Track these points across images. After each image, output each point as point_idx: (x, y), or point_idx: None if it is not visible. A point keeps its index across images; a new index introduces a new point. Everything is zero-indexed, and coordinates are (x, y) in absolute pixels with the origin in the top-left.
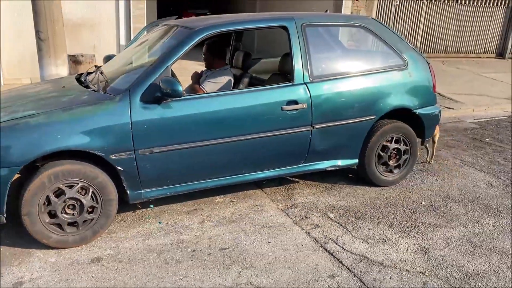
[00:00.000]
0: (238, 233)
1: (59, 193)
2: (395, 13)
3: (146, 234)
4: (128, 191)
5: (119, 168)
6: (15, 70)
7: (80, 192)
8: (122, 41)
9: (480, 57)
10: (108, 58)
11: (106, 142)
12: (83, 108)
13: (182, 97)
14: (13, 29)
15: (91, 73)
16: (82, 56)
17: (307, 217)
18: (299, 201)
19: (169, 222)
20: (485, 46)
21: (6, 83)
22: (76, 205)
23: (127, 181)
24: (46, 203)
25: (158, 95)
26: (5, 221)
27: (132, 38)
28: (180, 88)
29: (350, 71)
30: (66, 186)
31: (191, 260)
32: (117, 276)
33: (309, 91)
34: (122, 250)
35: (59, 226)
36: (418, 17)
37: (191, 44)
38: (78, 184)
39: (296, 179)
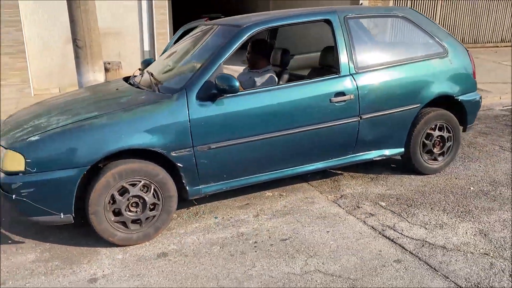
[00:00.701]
0: (295, 224)
1: (123, 191)
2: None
3: (205, 229)
4: (187, 187)
5: (179, 165)
6: (44, 81)
7: (143, 190)
8: (146, 47)
9: (498, 46)
10: (146, 62)
11: (167, 140)
12: (143, 108)
13: (237, 93)
14: (39, 41)
15: (136, 76)
16: (109, 63)
17: (359, 207)
18: (347, 192)
19: (224, 217)
20: (501, 35)
21: (36, 93)
22: (139, 202)
23: (186, 177)
24: (111, 202)
25: (214, 92)
26: (73, 220)
27: (155, 43)
28: (237, 84)
29: (393, 60)
30: (129, 184)
31: (255, 251)
32: (186, 270)
33: (355, 82)
34: (185, 245)
35: (124, 224)
36: (434, 11)
37: (240, 42)
38: (140, 182)
39: (340, 171)
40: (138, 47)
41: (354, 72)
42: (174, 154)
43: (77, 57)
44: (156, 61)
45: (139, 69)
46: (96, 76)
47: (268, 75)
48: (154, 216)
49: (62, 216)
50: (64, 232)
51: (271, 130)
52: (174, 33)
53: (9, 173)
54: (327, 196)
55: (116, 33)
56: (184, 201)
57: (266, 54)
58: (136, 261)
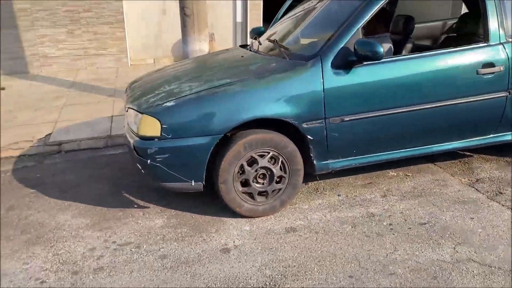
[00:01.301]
0: (431, 208)
1: (251, 162)
2: None
3: (330, 206)
4: (314, 162)
5: (309, 137)
6: (139, 52)
7: (270, 162)
8: (239, 19)
9: None
10: (256, 31)
11: (299, 110)
12: (276, 76)
13: (378, 61)
14: (137, 12)
15: (253, 43)
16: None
17: (501, 193)
18: (483, 175)
19: (348, 195)
20: None
21: (132, 63)
22: (266, 174)
23: (315, 151)
24: (240, 172)
25: (352, 59)
26: (203, 188)
27: (248, 15)
28: (382, 50)
29: None
30: (258, 155)
31: (393, 234)
32: (321, 247)
33: (506, 52)
34: (312, 221)
35: (250, 195)
36: None
37: (378, 6)
38: (269, 153)
39: (469, 153)
40: (230, 19)
41: (505, 40)
42: (305, 126)
43: (184, 25)
44: (270, 29)
45: (254, 38)
46: (202, 45)
47: (383, 43)
48: (280, 189)
49: (193, 184)
50: (186, 200)
51: (410, 103)
52: (264, 6)
53: (144, 138)
54: (460, 179)
55: (209, 4)
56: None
57: (385, 21)
58: (265, 234)
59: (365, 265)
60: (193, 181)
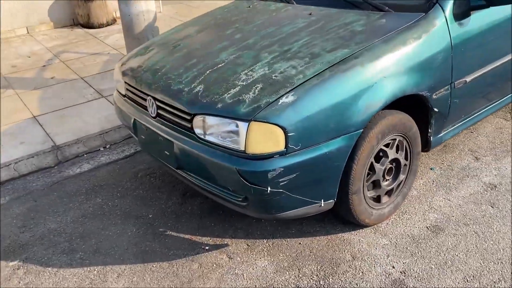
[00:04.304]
0: None
1: (378, 156)
2: None
3: (439, 186)
4: (431, 138)
5: (435, 109)
6: (5, 21)
7: (396, 150)
8: None
9: None
10: None
11: (432, 78)
12: (403, 37)
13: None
14: None
15: None
16: None
17: None
18: None
19: (441, 167)
20: None
21: None
22: (392, 167)
23: (436, 125)
24: (369, 173)
25: (478, 3)
26: (333, 206)
27: None
28: None
29: None
30: (385, 146)
31: None
32: (496, 246)
33: None
34: (444, 210)
35: (376, 198)
36: None
37: None
38: (395, 140)
39: None
40: None
41: None
42: (434, 97)
43: None
44: None
45: None
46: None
47: None
48: (401, 181)
49: (322, 204)
50: (262, 221)
51: None
52: None
53: (258, 157)
54: None
55: None
56: None
57: None
58: (413, 243)
59: None
60: (322, 201)
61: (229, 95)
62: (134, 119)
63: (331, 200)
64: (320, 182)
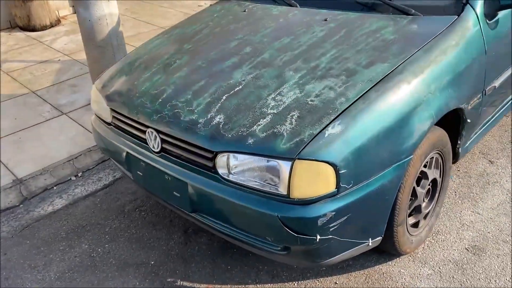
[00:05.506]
0: None
1: (418, 179)
2: None
3: (464, 197)
4: (459, 149)
5: (468, 120)
6: None
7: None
8: None
9: None
10: None
11: (468, 88)
12: (441, 45)
13: None
14: None
15: None
16: None
17: None
18: None
19: (457, 173)
20: None
21: None
22: (430, 187)
23: (466, 135)
24: (411, 199)
25: (507, 2)
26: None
27: None
28: None
29: None
30: (424, 166)
31: None
32: None
33: None
34: (476, 226)
35: (415, 224)
36: None
37: None
38: (433, 158)
39: None
40: None
41: None
42: (469, 108)
43: None
44: None
45: None
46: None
47: None
48: (434, 200)
49: (370, 243)
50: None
51: None
52: None
53: (303, 202)
54: None
55: None
56: None
57: None
58: (458, 270)
59: None
60: (370, 240)
61: (259, 127)
62: (127, 152)
63: (379, 238)
64: (371, 220)
